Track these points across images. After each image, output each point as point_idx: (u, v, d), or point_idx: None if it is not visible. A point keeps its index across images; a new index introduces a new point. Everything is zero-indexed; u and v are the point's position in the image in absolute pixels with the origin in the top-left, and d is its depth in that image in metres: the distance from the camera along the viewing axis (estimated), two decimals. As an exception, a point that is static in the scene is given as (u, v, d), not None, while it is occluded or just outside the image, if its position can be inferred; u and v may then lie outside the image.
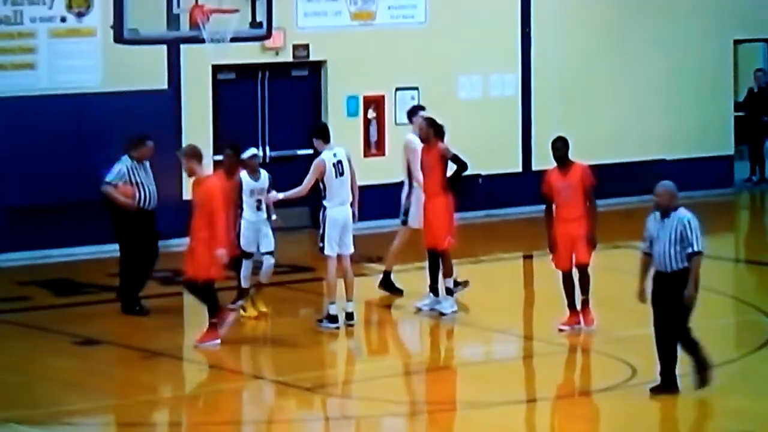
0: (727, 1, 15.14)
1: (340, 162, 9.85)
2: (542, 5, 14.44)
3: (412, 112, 10.69)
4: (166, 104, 12.76)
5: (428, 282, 10.33)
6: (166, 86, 12.93)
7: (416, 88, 13.97)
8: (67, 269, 11.99)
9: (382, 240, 13.22)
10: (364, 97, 13.85)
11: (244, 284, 10.07)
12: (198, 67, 12.92)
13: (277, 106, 13.63)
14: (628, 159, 14.78)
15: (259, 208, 9.95)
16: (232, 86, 13.44)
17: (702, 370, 8.04)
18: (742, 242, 13.98)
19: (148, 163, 10.44)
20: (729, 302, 10.83)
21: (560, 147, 9.61)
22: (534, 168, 14.36)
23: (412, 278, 10.77)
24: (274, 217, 10.10)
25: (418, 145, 10.35)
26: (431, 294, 10.35)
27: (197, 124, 12.99)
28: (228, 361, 9.27)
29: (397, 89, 13.92)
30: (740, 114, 15.87)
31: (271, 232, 9.99)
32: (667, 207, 7.90)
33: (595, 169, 14.99)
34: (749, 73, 16.28)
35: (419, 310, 10.33)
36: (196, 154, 9.51)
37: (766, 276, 11.95)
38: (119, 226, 10.36)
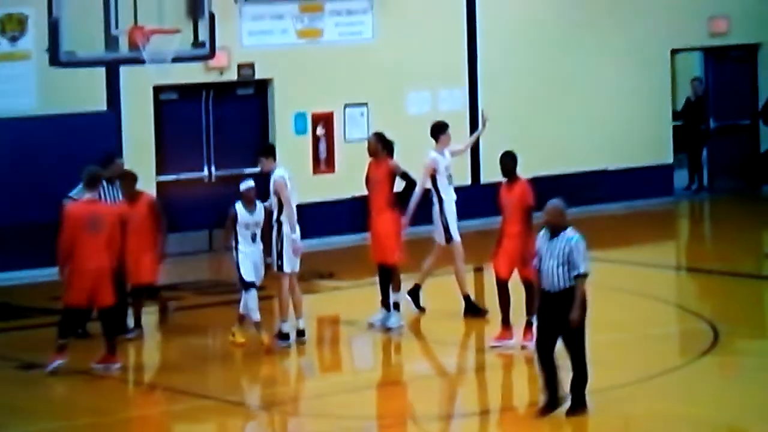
0: (663, 11, 15.41)
1: (291, 179, 9.94)
2: (488, 20, 14.59)
3: (438, 130, 10.58)
4: (105, 126, 12.67)
5: (379, 297, 10.36)
6: (105, 108, 12.84)
7: (365, 104, 14.03)
8: (6, 293, 11.80)
9: (333, 256, 13.27)
10: (313, 115, 13.87)
11: (255, 317, 9.76)
12: (139, 88, 12.86)
13: (223, 125, 13.61)
14: (573, 170, 14.98)
15: (254, 240, 9.71)
16: (175, 106, 13.40)
17: (552, 397, 7.89)
18: (683, 250, 14.23)
19: (119, 184, 10.32)
20: (672, 310, 11.01)
21: (506, 162, 9.73)
22: (483, 181, 14.51)
23: (365, 294, 10.77)
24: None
25: (440, 162, 10.44)
26: (383, 309, 10.39)
27: (139, 146, 12.92)
28: (177, 382, 9.20)
29: (346, 106, 13.96)
30: (678, 123, 16.14)
31: (263, 268, 9.79)
32: (556, 225, 7.84)
33: (541, 180, 15.23)
34: (687, 82, 16.56)
35: (371, 325, 10.37)
36: (83, 179, 9.39)
37: (708, 283, 12.15)
38: None
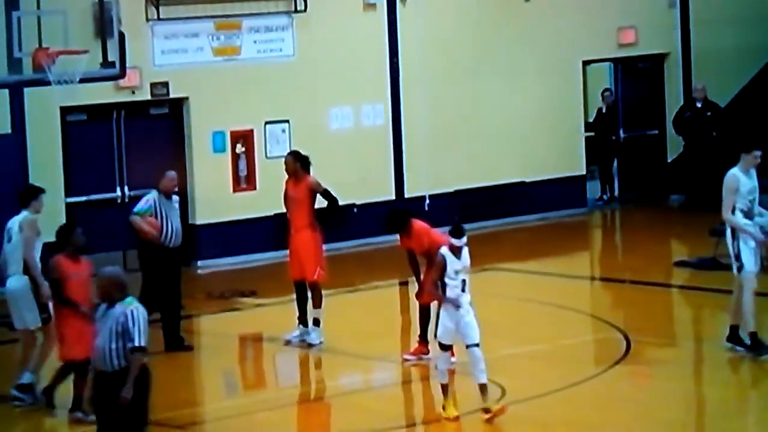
0: (575, 23, 15.67)
1: (10, 229, 9.19)
2: (409, 35, 14.66)
3: (743, 148, 9.25)
4: (10, 149, 12.45)
5: (297, 314, 10.36)
6: (9, 131, 12.62)
7: (287, 121, 13.99)
8: None
9: (255, 274, 13.22)
10: (232, 132, 13.79)
11: (442, 379, 8.56)
12: (44, 110, 12.64)
13: (135, 145, 13.44)
14: (491, 182, 15.14)
15: (464, 289, 8.46)
16: (84, 127, 13.20)
17: None
18: (596, 260, 14.47)
19: (176, 200, 10.28)
20: (586, 320, 11.25)
21: (391, 223, 9.67)
22: (407, 195, 14.61)
23: (288, 311, 10.75)
24: None
25: (743, 182, 9.20)
26: (300, 325, 10.41)
27: (45, 168, 12.73)
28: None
29: (267, 123, 13.91)
30: (590, 134, 16.46)
31: (474, 319, 8.49)
32: (110, 296, 6.99)
33: (460, 193, 15.29)
34: (599, 93, 16.81)
35: (289, 342, 10.36)
36: None
37: (620, 293, 12.42)
38: (144, 261, 10.14)
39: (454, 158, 14.85)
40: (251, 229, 13.62)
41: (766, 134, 13.42)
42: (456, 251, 8.49)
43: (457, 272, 8.48)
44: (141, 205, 10.22)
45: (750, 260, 9.24)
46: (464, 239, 8.48)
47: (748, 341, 9.41)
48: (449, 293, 8.42)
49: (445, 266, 8.45)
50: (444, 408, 8.54)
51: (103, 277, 7.04)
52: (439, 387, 8.54)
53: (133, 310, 6.96)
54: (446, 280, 8.45)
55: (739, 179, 9.22)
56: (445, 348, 8.50)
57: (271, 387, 9.91)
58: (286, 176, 10.44)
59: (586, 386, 9.10)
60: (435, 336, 8.68)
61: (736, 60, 16.54)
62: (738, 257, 9.26)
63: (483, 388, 8.40)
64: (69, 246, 8.78)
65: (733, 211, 9.23)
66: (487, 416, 8.34)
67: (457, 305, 8.35)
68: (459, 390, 9.15)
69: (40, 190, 9.45)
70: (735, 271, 9.35)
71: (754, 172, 9.28)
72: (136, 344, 6.91)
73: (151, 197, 10.24)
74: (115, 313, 6.95)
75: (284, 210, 10.56)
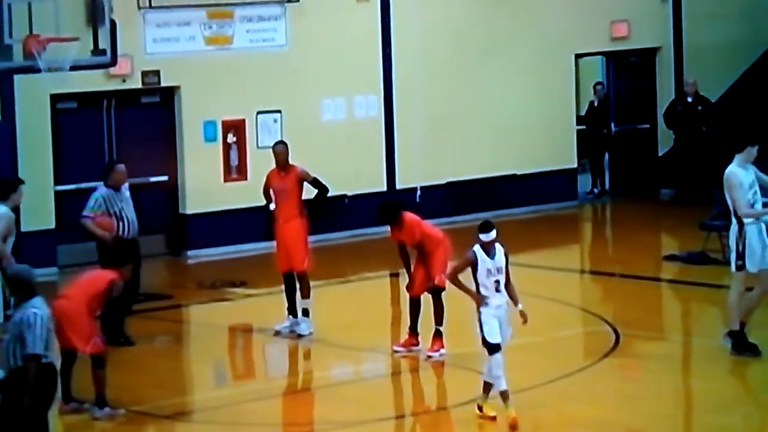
0: (567, 16, 15.72)
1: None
2: (401, 27, 14.68)
3: (745, 140, 9.09)
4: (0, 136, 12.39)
5: (286, 304, 10.37)
6: (-1, 118, 12.63)
7: (279, 112, 13.98)
8: None
9: (245, 264, 13.23)
10: (223, 122, 13.77)
11: (500, 386, 8.13)
12: (34, 97, 12.59)
13: (126, 133, 13.43)
14: (483, 175, 15.18)
15: (498, 290, 8.13)
16: (74, 115, 13.17)
17: None
18: (586, 254, 14.55)
19: (127, 190, 10.17)
20: (575, 312, 11.30)
21: (383, 215, 9.71)
22: (398, 187, 14.62)
23: (278, 301, 10.76)
24: (520, 306, 8.20)
25: (744, 177, 9.06)
26: (290, 316, 10.41)
27: (35, 156, 12.70)
28: (81, 392, 9.01)
29: (259, 113, 13.90)
30: (582, 128, 16.50)
31: (509, 326, 8.18)
32: (18, 297, 6.78)
33: (453, 185, 15.30)
34: (591, 86, 16.87)
35: (278, 332, 10.37)
36: None
37: (610, 286, 12.47)
38: (102, 256, 10.05)
39: (446, 150, 14.87)
40: (242, 219, 13.62)
41: (758, 129, 13.46)
42: (488, 249, 8.10)
43: (489, 271, 8.09)
44: (88, 207, 10.05)
45: (752, 261, 9.10)
46: (492, 234, 8.07)
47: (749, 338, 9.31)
48: (483, 292, 8.10)
49: (475, 264, 8.07)
50: (480, 408, 8.25)
51: (9, 276, 6.78)
52: (482, 384, 8.20)
53: (31, 314, 6.59)
54: (478, 279, 8.08)
55: (739, 174, 9.14)
56: (494, 349, 8.06)
57: (260, 377, 9.93)
58: (270, 168, 10.36)
59: (575, 379, 9.14)
60: (482, 342, 8.13)
61: (728, 55, 16.59)
62: (741, 256, 9.11)
63: (487, 387, 8.27)
64: None
65: (736, 207, 9.13)
66: (479, 413, 8.29)
67: (487, 303, 8.04)
68: (450, 381, 9.18)
69: (20, 182, 9.42)
70: (734, 269, 9.19)
71: (749, 166, 9.21)
72: (30, 352, 6.56)
73: (99, 196, 10.09)
74: (15, 316, 6.67)
75: (264, 202, 10.49)
